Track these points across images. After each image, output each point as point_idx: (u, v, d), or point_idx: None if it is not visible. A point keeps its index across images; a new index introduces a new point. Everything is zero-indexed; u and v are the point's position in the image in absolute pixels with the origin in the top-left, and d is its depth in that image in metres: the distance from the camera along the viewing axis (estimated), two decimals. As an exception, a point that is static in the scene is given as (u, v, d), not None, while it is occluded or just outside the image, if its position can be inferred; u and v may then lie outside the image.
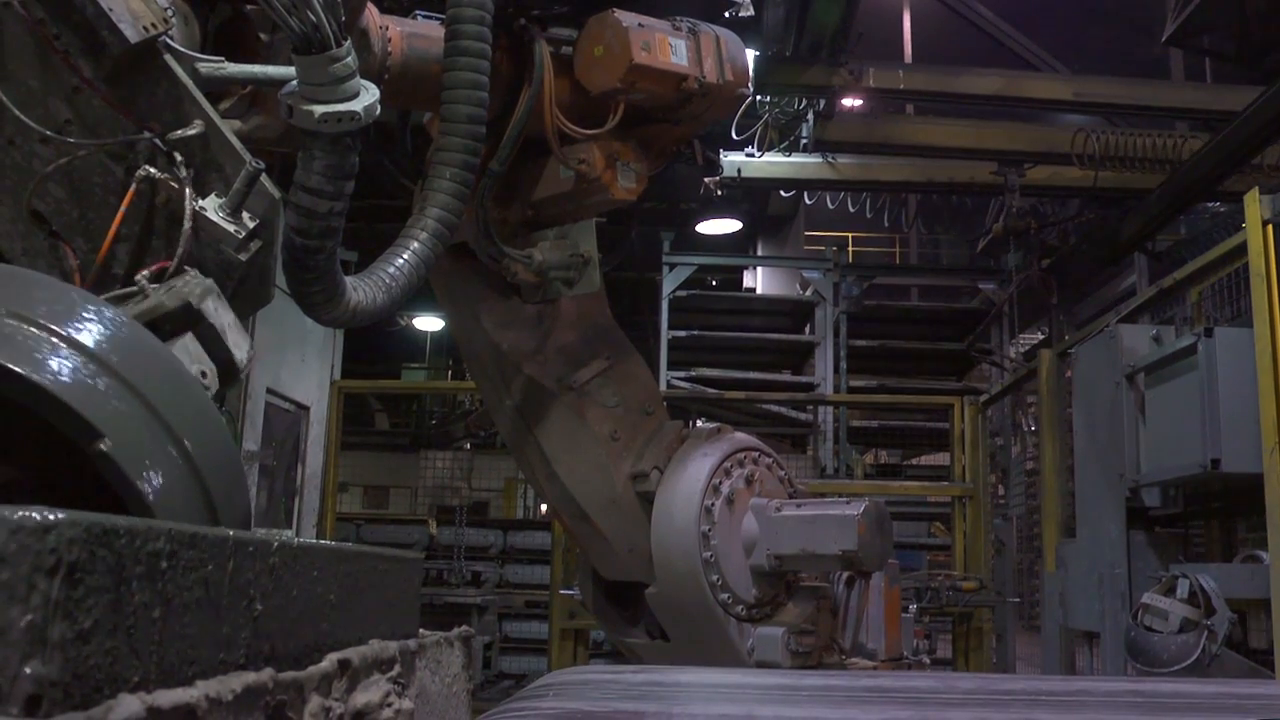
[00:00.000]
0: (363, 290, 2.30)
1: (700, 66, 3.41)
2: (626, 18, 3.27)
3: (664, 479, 3.85)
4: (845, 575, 4.12)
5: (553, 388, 3.81)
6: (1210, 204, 11.22)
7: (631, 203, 3.54)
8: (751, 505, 3.92)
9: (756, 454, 4.05)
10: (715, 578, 3.76)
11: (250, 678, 1.06)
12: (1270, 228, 4.32)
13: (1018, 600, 10.80)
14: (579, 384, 3.85)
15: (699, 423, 9.45)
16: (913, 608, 5.64)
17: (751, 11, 4.10)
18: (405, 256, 2.43)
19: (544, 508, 17.52)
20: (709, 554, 3.74)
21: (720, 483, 3.84)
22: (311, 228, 2.06)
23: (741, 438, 4.08)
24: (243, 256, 1.82)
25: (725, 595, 3.78)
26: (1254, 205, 4.40)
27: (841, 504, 3.83)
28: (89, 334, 1.30)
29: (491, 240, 3.46)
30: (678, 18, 3.44)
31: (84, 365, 1.26)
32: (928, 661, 4.77)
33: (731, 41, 3.58)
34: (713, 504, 3.79)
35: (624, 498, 3.88)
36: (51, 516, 0.82)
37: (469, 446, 16.27)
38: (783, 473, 4.16)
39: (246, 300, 1.87)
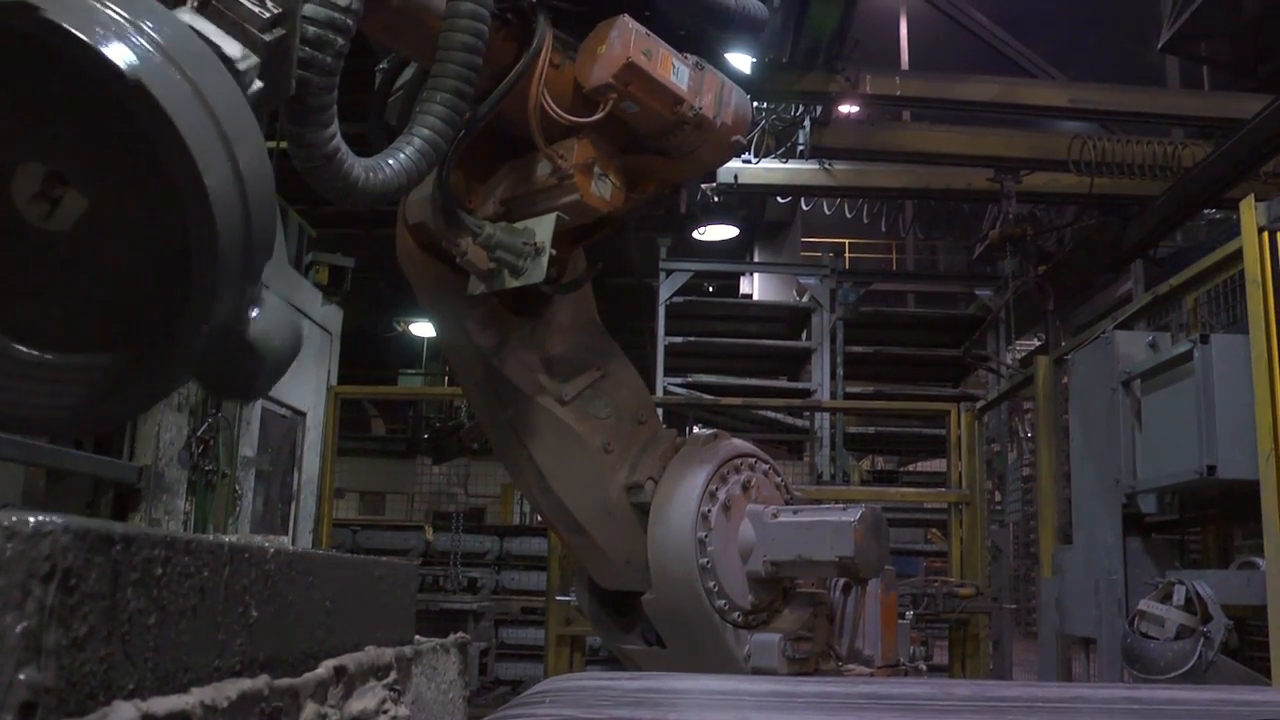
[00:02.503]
0: (351, 158, 2.25)
1: (699, 97, 3.40)
2: (636, 25, 3.27)
3: (660, 485, 3.84)
4: (842, 581, 4.11)
5: (544, 402, 3.77)
6: (1205, 210, 11.24)
7: (601, 215, 3.48)
8: (748, 512, 3.91)
9: (753, 460, 4.04)
10: (712, 584, 3.75)
11: (245, 684, 1.06)
12: (1266, 234, 4.33)
13: (1014, 607, 10.81)
14: (570, 397, 3.82)
15: (696, 429, 9.45)
16: (909, 614, 5.64)
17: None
18: (391, 162, 2.38)
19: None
20: (705, 560, 3.73)
21: (716, 489, 3.83)
22: (323, 16, 2.04)
23: (738, 444, 4.07)
24: (267, 38, 1.82)
25: (722, 602, 3.77)
26: (1249, 212, 4.41)
27: (838, 510, 3.82)
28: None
29: (447, 208, 3.39)
30: (688, 54, 3.45)
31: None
32: (924, 668, 4.77)
33: (736, 90, 3.57)
34: (709, 510, 3.78)
35: (619, 510, 3.87)
36: (47, 523, 0.82)
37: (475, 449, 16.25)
38: (779, 479, 4.16)
39: (269, 88, 1.88)
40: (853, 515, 3.69)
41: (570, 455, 3.83)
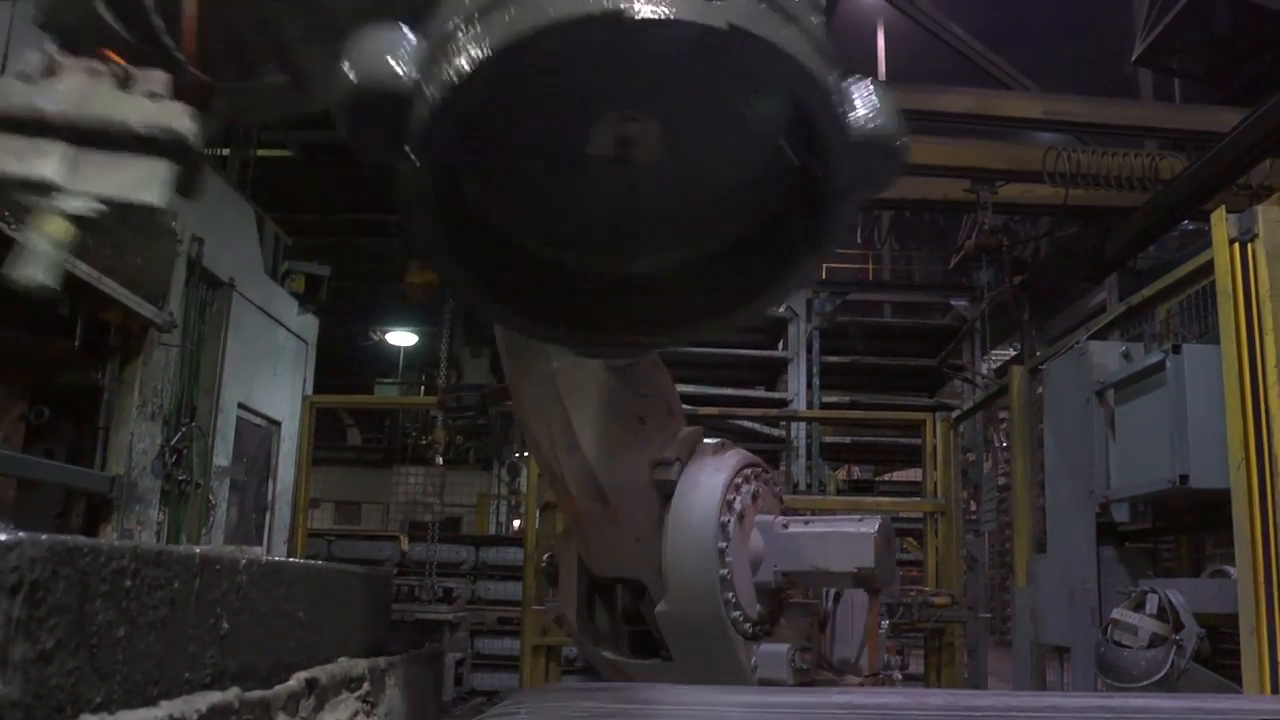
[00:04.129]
0: None
1: None
2: None
3: (679, 492, 3.80)
4: (834, 592, 4.12)
5: (594, 364, 3.75)
6: (1182, 222, 11.35)
7: None
8: (757, 522, 3.91)
9: (758, 469, 4.04)
10: (730, 595, 3.73)
11: (215, 697, 1.05)
12: (1236, 246, 4.37)
13: (990, 616, 10.86)
14: (617, 366, 3.81)
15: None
16: (885, 623, 5.65)
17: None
18: None
19: (516, 524, 17.47)
20: (725, 572, 3.72)
21: (733, 499, 3.82)
22: None
23: (745, 453, 4.06)
24: None
25: (737, 613, 3.76)
26: (1220, 224, 4.45)
27: (854, 521, 3.84)
28: None
29: None
30: None
31: None
32: (899, 677, 4.78)
33: None
34: (727, 520, 3.76)
35: (643, 482, 3.83)
36: (14, 535, 0.81)
37: (440, 462, 16.21)
38: (778, 489, 4.17)
39: None
40: (871, 527, 3.72)
41: (607, 416, 3.78)
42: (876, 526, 3.71)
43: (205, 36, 1.88)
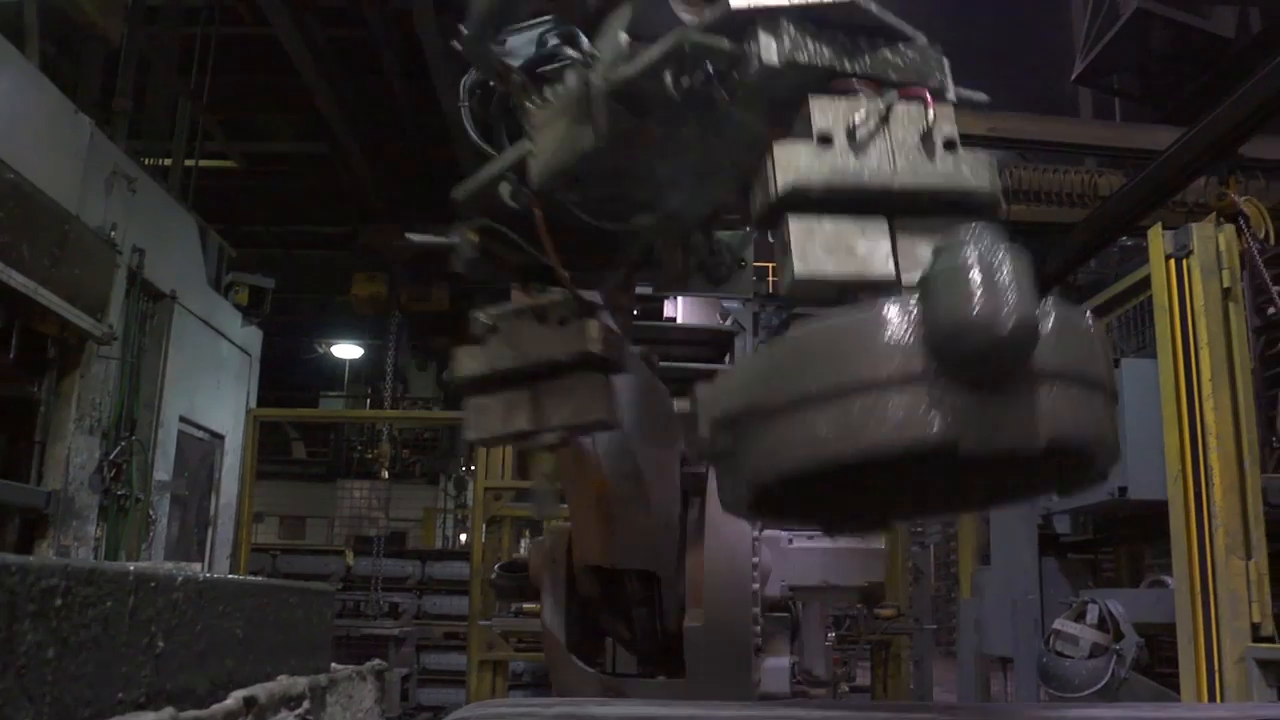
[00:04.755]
0: None
1: None
2: None
3: (710, 504, 3.78)
4: (803, 604, 4.15)
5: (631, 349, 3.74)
6: (1120, 238, 11.55)
7: None
8: (765, 537, 3.92)
9: None
10: (756, 609, 3.75)
11: (149, 718, 1.03)
12: (1173, 262, 4.45)
13: (935, 627, 10.94)
14: (654, 360, 3.81)
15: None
16: (831, 635, 5.69)
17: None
18: None
19: (463, 538, 17.36)
20: (756, 586, 3.73)
21: None
22: None
23: None
24: None
25: (756, 627, 3.78)
26: (1157, 241, 4.53)
27: (855, 538, 3.89)
28: None
29: None
30: None
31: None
32: (846, 688, 4.82)
33: None
34: (757, 536, 3.78)
35: (673, 471, 3.80)
36: (-62, 553, 0.79)
37: (386, 476, 16.08)
38: None
39: None
40: (878, 543, 3.77)
41: (647, 399, 3.75)
42: (883, 543, 3.78)
43: (561, 235, 1.91)
